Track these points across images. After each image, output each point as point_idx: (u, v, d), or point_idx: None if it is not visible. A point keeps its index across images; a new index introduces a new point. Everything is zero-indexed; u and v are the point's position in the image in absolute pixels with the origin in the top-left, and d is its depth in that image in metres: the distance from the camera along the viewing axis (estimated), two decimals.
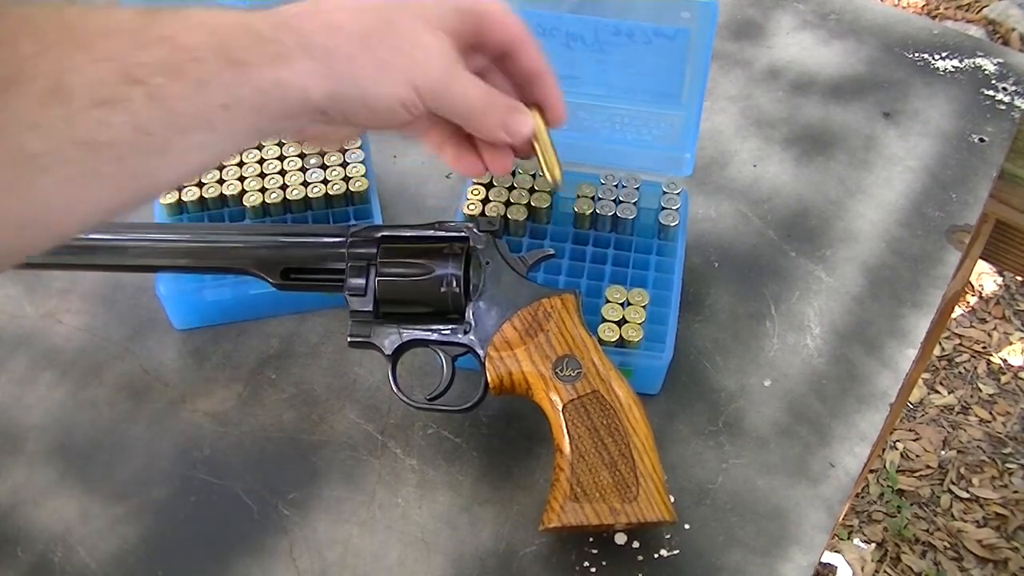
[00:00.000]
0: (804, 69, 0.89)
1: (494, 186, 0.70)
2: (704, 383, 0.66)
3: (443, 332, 0.58)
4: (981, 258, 0.95)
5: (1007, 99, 0.85)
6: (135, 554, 0.58)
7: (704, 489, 0.61)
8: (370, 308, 0.58)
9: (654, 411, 0.63)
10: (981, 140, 0.82)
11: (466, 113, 0.51)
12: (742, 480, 0.61)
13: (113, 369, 0.67)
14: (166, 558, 0.58)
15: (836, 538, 1.57)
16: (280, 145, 0.71)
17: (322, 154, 0.71)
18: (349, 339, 0.58)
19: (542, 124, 0.55)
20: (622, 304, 0.64)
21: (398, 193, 0.77)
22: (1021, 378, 1.80)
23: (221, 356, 0.68)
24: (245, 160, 0.70)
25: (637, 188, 0.69)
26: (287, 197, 0.69)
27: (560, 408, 0.55)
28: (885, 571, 1.56)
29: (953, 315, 1.68)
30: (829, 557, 1.52)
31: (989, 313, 1.90)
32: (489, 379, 0.57)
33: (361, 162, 0.71)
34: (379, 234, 0.59)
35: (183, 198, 0.68)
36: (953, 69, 0.88)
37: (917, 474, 1.67)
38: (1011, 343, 1.85)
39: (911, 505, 1.63)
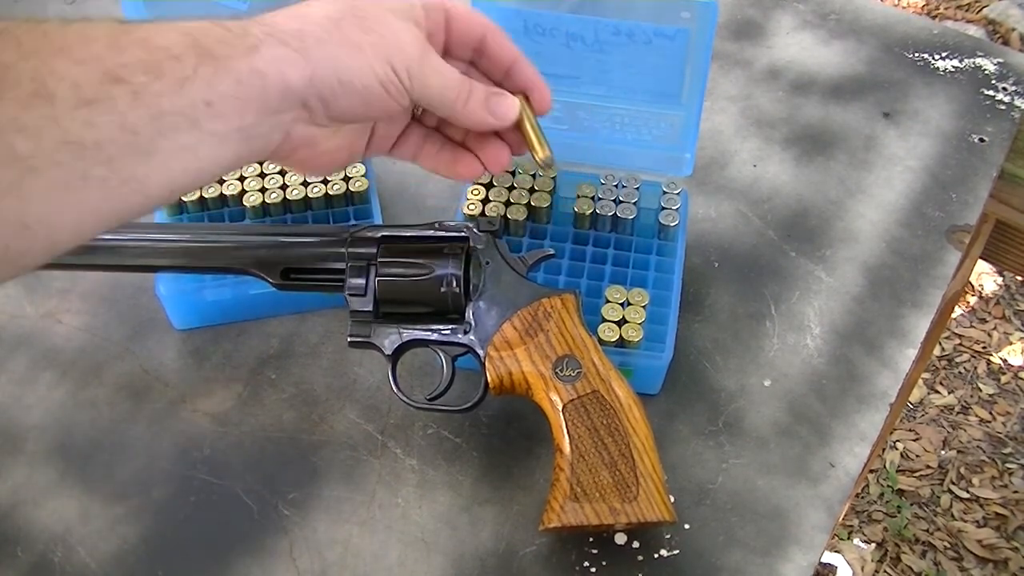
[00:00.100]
0: (804, 69, 0.89)
1: (494, 186, 0.70)
2: (704, 383, 0.66)
3: (443, 332, 0.58)
4: (981, 258, 0.95)
5: (1007, 99, 0.85)
6: (135, 554, 0.58)
7: (704, 489, 0.61)
8: (370, 308, 0.58)
9: (654, 411, 0.63)
10: (981, 140, 0.82)
11: (448, 95, 0.51)
12: (742, 480, 0.61)
13: (113, 369, 0.67)
14: (166, 558, 0.58)
15: (836, 538, 1.57)
16: None
17: None
18: (349, 339, 0.58)
19: (528, 109, 0.55)
20: (622, 304, 0.64)
21: (398, 193, 0.77)
22: (1021, 378, 1.80)
23: (221, 356, 0.68)
24: None
25: (637, 188, 0.69)
26: (287, 197, 0.69)
27: (560, 408, 0.55)
28: (885, 571, 1.56)
29: (953, 315, 1.68)
30: (829, 557, 1.52)
31: (989, 313, 1.90)
32: (489, 379, 0.57)
33: (361, 162, 0.71)
34: (379, 234, 0.59)
35: (183, 198, 0.68)
36: (953, 69, 0.88)
37: (917, 474, 1.67)
38: (1011, 343, 1.85)
39: (911, 505, 1.63)
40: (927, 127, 0.83)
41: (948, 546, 1.58)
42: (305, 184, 0.70)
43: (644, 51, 0.63)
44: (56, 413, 0.65)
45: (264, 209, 0.69)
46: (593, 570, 0.57)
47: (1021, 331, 1.87)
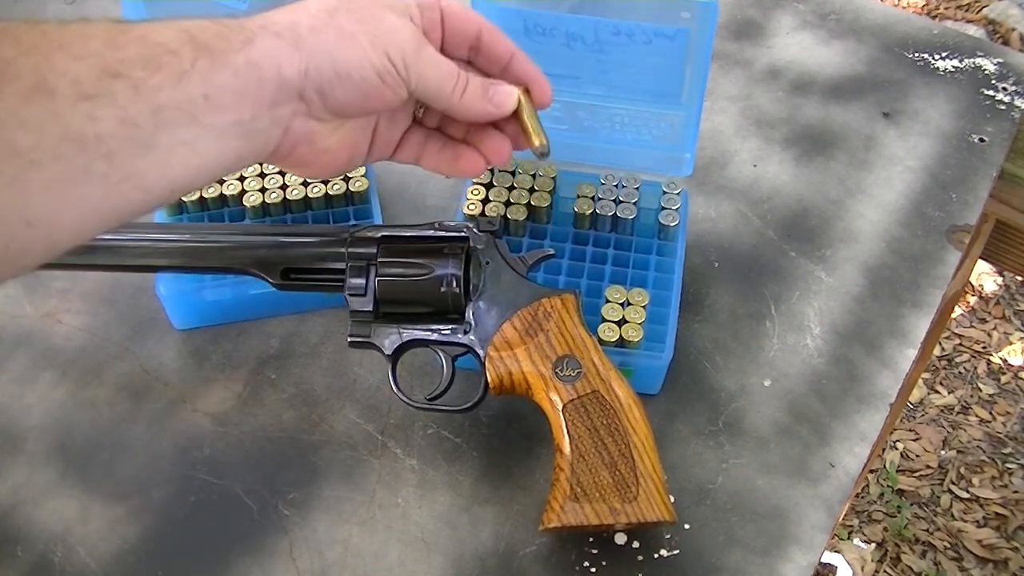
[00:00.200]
0: (804, 69, 0.89)
1: (494, 186, 0.70)
2: (704, 383, 0.66)
3: (443, 332, 0.58)
4: (981, 258, 0.95)
5: (1007, 99, 0.85)
6: (135, 554, 0.58)
7: (704, 489, 0.61)
8: (370, 308, 0.58)
9: (654, 411, 0.63)
10: (981, 140, 0.82)
11: (445, 86, 0.51)
12: (742, 480, 0.61)
13: (113, 369, 0.67)
14: (166, 558, 0.58)
15: (836, 538, 1.57)
16: None
17: None
18: (349, 339, 0.58)
19: (528, 101, 0.55)
20: (622, 304, 0.64)
21: (398, 193, 0.77)
22: (1021, 378, 1.80)
23: (221, 356, 0.68)
24: None
25: (637, 188, 0.69)
26: (287, 197, 0.69)
27: (560, 408, 0.55)
28: (885, 571, 1.55)
29: (953, 315, 1.68)
30: (829, 557, 1.52)
31: (989, 313, 1.90)
32: (489, 379, 0.57)
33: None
34: (379, 234, 0.59)
35: (183, 198, 0.68)
36: (953, 69, 0.88)
37: (917, 474, 1.67)
38: (1011, 343, 1.85)
39: (911, 505, 1.63)
40: (927, 127, 0.83)
41: (948, 546, 1.58)
42: (305, 184, 0.70)
43: (644, 51, 0.63)
44: (56, 413, 0.65)
45: (264, 209, 0.69)
46: (593, 570, 0.57)
47: (1021, 331, 1.87)
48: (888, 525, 1.60)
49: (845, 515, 1.44)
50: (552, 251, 0.61)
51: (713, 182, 0.79)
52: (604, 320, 0.63)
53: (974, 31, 2.22)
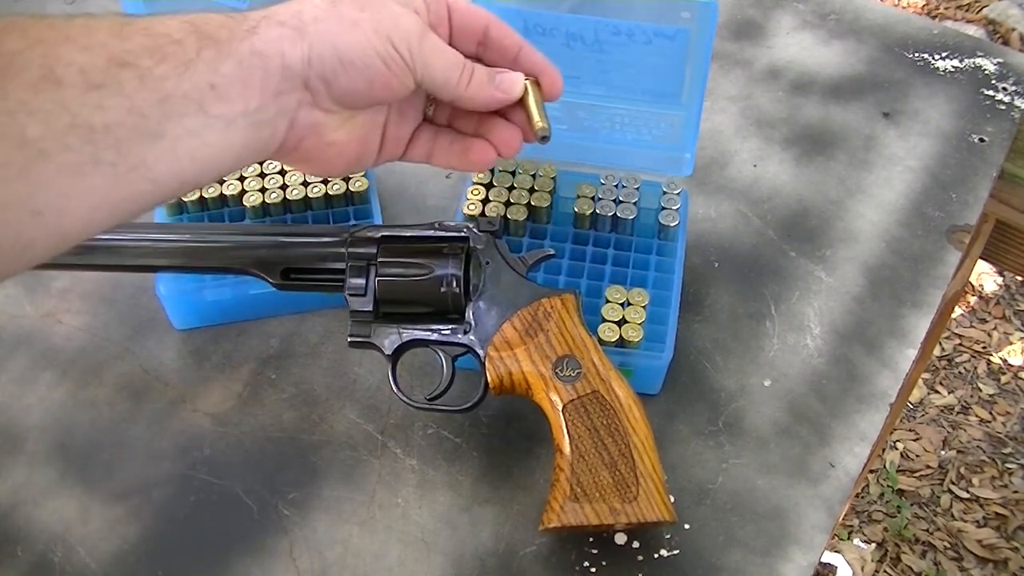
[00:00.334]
0: (804, 69, 0.89)
1: (494, 186, 0.70)
2: (704, 383, 0.66)
3: (443, 332, 0.58)
4: (981, 258, 0.95)
5: (1007, 99, 0.85)
6: (135, 554, 0.58)
7: (704, 489, 0.61)
8: (370, 308, 0.58)
9: (654, 411, 0.63)
10: (981, 140, 0.82)
11: (451, 74, 0.51)
12: (742, 480, 0.61)
13: (113, 369, 0.67)
14: (166, 558, 0.58)
15: (836, 538, 1.57)
16: None
17: None
18: (349, 339, 0.58)
19: (534, 88, 0.54)
20: (622, 304, 0.64)
21: (398, 193, 0.77)
22: (1021, 378, 1.80)
23: (221, 356, 0.68)
24: None
25: (637, 188, 0.69)
26: (287, 197, 0.69)
27: (560, 408, 0.55)
28: (885, 571, 1.55)
29: (953, 315, 1.68)
30: (829, 557, 1.52)
31: (989, 313, 1.90)
32: (489, 379, 0.57)
33: None
34: (379, 234, 0.59)
35: (183, 198, 0.68)
36: (953, 69, 0.88)
37: (917, 474, 1.67)
38: (1011, 343, 1.85)
39: (911, 505, 1.63)
40: (927, 127, 0.83)
41: (948, 546, 1.58)
42: (305, 184, 0.70)
43: (644, 51, 0.63)
44: (56, 413, 0.65)
45: (264, 209, 0.69)
46: (593, 570, 0.57)
47: (1021, 331, 1.87)
48: (888, 525, 1.60)
49: (845, 515, 1.44)
50: (552, 251, 0.61)
51: (713, 182, 0.79)
52: (604, 320, 0.63)
53: (974, 31, 2.22)
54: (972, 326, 1.88)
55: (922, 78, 0.87)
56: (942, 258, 0.73)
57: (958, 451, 1.70)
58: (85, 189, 0.38)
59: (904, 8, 2.30)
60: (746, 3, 0.95)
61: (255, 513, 0.60)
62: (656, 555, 0.58)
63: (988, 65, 0.88)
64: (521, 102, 0.54)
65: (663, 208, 0.68)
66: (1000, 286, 1.94)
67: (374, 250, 0.58)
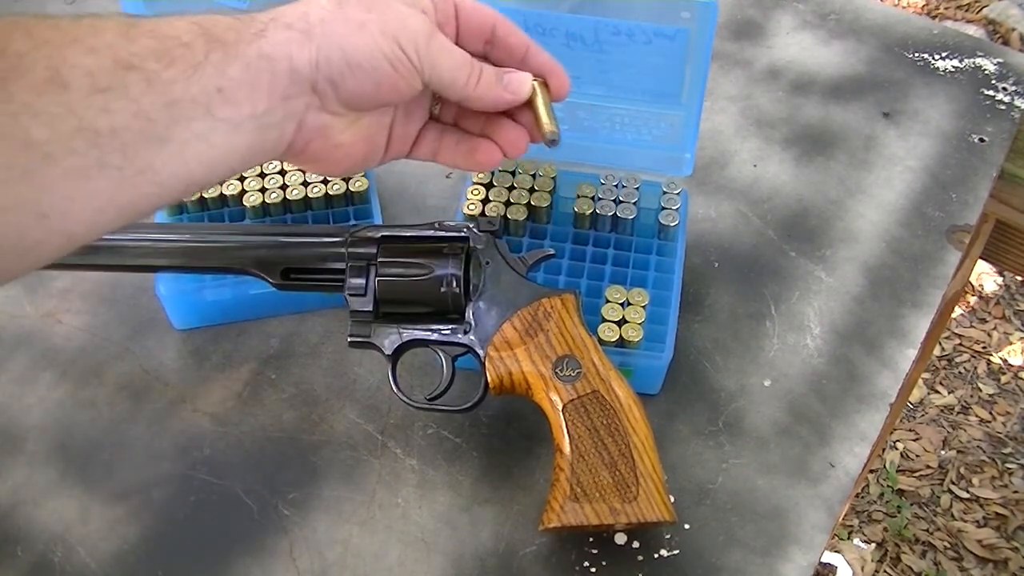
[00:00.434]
0: (804, 69, 0.89)
1: (494, 186, 0.70)
2: (704, 383, 0.66)
3: (443, 332, 0.58)
4: (981, 258, 0.95)
5: (1007, 99, 0.85)
6: (135, 554, 0.58)
7: (704, 489, 0.61)
8: (370, 308, 0.58)
9: (654, 411, 0.63)
10: (981, 140, 0.82)
11: (459, 74, 0.50)
12: (742, 480, 0.61)
13: (113, 369, 0.67)
14: (166, 558, 0.58)
15: (836, 538, 1.57)
16: None
17: None
18: (349, 339, 0.58)
19: (545, 92, 0.54)
20: (622, 304, 0.64)
21: (398, 193, 0.77)
22: (1021, 378, 1.80)
23: (221, 356, 0.68)
24: None
25: (637, 188, 0.69)
26: (287, 197, 0.69)
27: (560, 408, 0.55)
28: (885, 571, 1.55)
29: (953, 315, 1.68)
30: (829, 557, 1.52)
31: (989, 313, 1.90)
32: (489, 379, 0.57)
33: None
34: (379, 234, 0.59)
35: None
36: (953, 69, 0.88)
37: (917, 474, 1.67)
38: (1011, 343, 1.85)
39: (911, 505, 1.63)
40: (927, 127, 0.83)
41: (948, 546, 1.58)
42: (305, 184, 0.70)
43: (644, 51, 0.63)
44: (56, 413, 0.65)
45: (264, 209, 0.69)
46: (593, 570, 0.57)
47: (1021, 331, 1.87)
48: (888, 525, 1.60)
49: (845, 515, 1.44)
50: (552, 251, 0.61)
51: (713, 182, 0.79)
52: (604, 320, 0.63)
53: (974, 31, 2.22)
54: (972, 326, 1.88)
55: (922, 78, 0.87)
56: (942, 258, 0.73)
57: (958, 451, 1.70)
58: (90, 192, 0.38)
59: (904, 8, 2.30)
60: (746, 3, 0.95)
61: (255, 513, 0.60)
62: (656, 555, 0.58)
63: (988, 65, 0.88)
64: (529, 103, 0.54)
65: (663, 208, 0.68)
66: (1000, 286, 1.94)
67: (374, 250, 0.58)
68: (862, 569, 1.55)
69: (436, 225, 0.59)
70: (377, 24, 0.47)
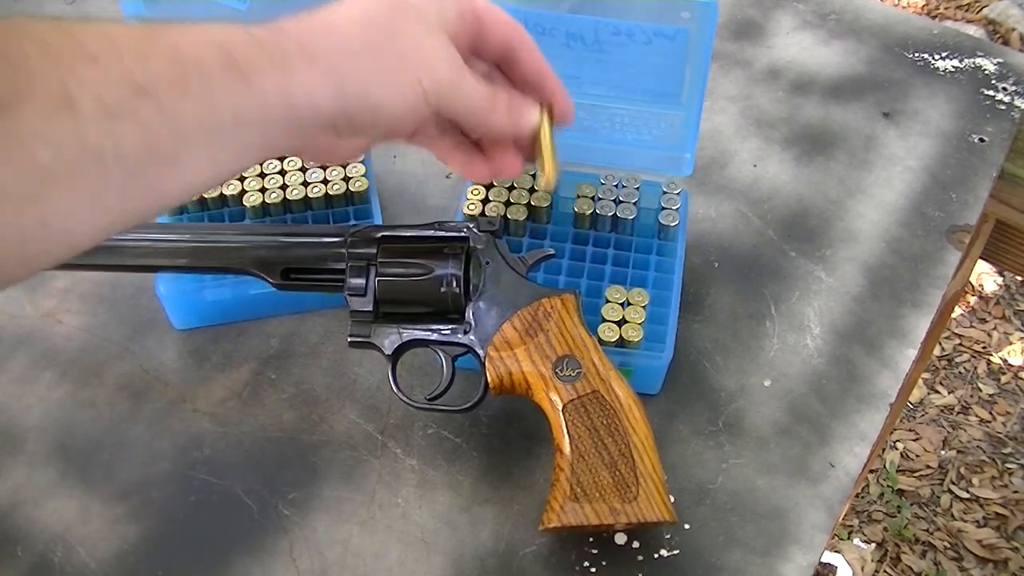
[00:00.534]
0: (804, 69, 0.89)
1: (494, 186, 0.70)
2: (704, 383, 0.66)
3: (443, 332, 0.58)
4: (981, 258, 0.95)
5: (1007, 99, 0.85)
6: (135, 554, 0.58)
7: (704, 489, 0.61)
8: (370, 308, 0.58)
9: (654, 411, 0.63)
10: (981, 140, 0.82)
11: (473, 111, 0.51)
12: (742, 480, 0.61)
13: (113, 369, 0.67)
14: (166, 558, 0.58)
15: (836, 538, 1.57)
16: None
17: None
18: (349, 339, 0.58)
19: (548, 122, 0.55)
20: (622, 304, 0.64)
21: (398, 193, 0.77)
22: (1021, 378, 1.80)
23: (221, 356, 0.68)
24: None
25: (637, 188, 0.69)
26: (287, 197, 0.69)
27: (560, 408, 0.55)
28: (885, 571, 1.55)
29: (953, 315, 1.68)
30: (829, 557, 1.52)
31: (989, 313, 1.90)
32: (489, 379, 0.57)
33: (361, 162, 0.71)
34: (379, 234, 0.59)
35: None
36: (953, 69, 0.88)
37: (917, 474, 1.67)
38: (1011, 343, 1.85)
39: (911, 505, 1.63)
40: (927, 127, 0.83)
41: (948, 546, 1.58)
42: (305, 184, 0.70)
43: (644, 51, 0.63)
44: (56, 413, 0.65)
45: (264, 209, 0.69)
46: (593, 570, 0.57)
47: (1021, 331, 1.87)
48: (888, 525, 1.60)
49: (845, 515, 1.44)
50: (552, 251, 0.61)
51: (713, 182, 0.79)
52: (604, 320, 0.63)
53: (974, 31, 2.22)
54: (972, 326, 1.88)
55: (922, 78, 0.87)
56: (942, 258, 0.73)
57: (958, 451, 1.70)
58: (94, 207, 0.38)
59: (904, 8, 2.30)
60: (746, 3, 0.95)
61: (255, 513, 0.60)
62: (656, 555, 0.58)
63: (988, 65, 0.88)
64: (533, 135, 0.54)
65: (663, 208, 0.68)
66: (1000, 286, 1.94)
67: (374, 250, 0.58)
68: (862, 569, 1.55)
69: (436, 225, 0.59)
70: (407, 73, 0.46)
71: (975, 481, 1.65)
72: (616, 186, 0.69)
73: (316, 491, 0.61)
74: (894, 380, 0.66)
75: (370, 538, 0.59)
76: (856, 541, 1.59)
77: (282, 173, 0.70)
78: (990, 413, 1.75)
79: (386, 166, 0.79)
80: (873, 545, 1.58)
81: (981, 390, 1.78)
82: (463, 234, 0.59)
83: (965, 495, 1.64)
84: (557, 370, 0.56)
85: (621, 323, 0.63)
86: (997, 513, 1.61)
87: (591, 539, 0.58)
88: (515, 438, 0.63)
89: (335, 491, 0.61)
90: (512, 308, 0.57)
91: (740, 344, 0.68)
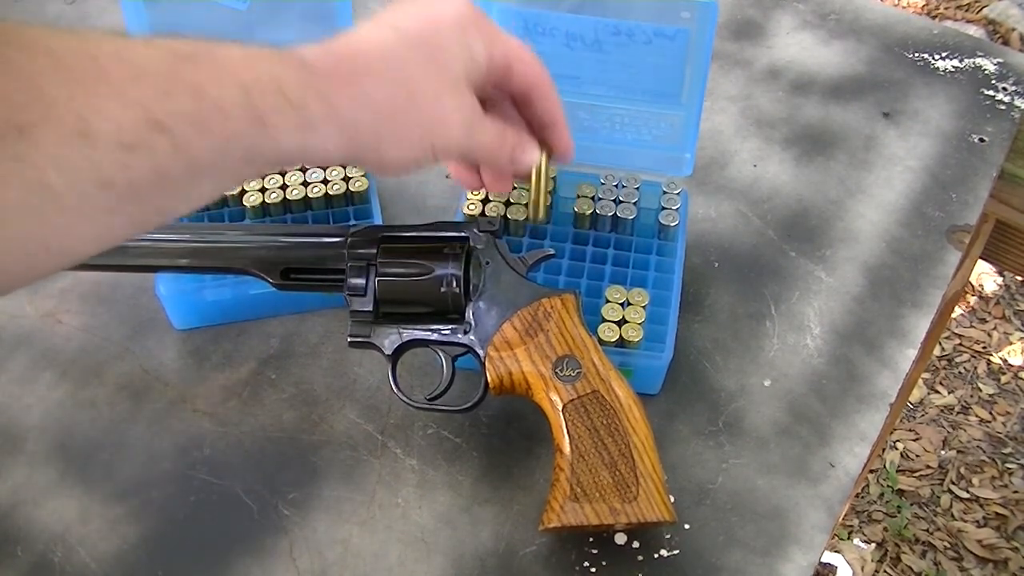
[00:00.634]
0: (804, 69, 0.89)
1: None
2: (704, 383, 0.66)
3: (443, 332, 0.58)
4: (981, 258, 0.95)
5: (1007, 99, 0.85)
6: (135, 554, 0.58)
7: (704, 489, 0.61)
8: (370, 308, 0.58)
9: (654, 411, 0.63)
10: (981, 140, 0.82)
11: (477, 156, 0.53)
12: (742, 480, 0.61)
13: (113, 369, 0.67)
14: (166, 558, 0.58)
15: (836, 538, 1.57)
16: None
17: None
18: (349, 339, 0.58)
19: (545, 163, 0.57)
20: (622, 304, 0.64)
21: (398, 193, 0.77)
22: (1021, 378, 1.80)
23: (221, 356, 0.68)
24: None
25: (637, 188, 0.69)
26: (287, 197, 0.69)
27: (560, 408, 0.55)
28: (885, 571, 1.55)
29: (953, 315, 1.68)
30: (829, 557, 1.52)
31: (989, 313, 1.90)
32: (489, 379, 0.57)
33: None
34: (379, 234, 0.59)
35: None
36: (953, 69, 0.88)
37: (917, 474, 1.67)
38: (1011, 343, 1.85)
39: (911, 505, 1.63)
40: (927, 127, 0.83)
41: (948, 546, 1.58)
42: (305, 184, 0.70)
43: (644, 51, 0.63)
44: (56, 413, 0.65)
45: (264, 209, 0.69)
46: (593, 570, 0.57)
47: (1021, 331, 1.87)
48: (888, 525, 1.60)
49: (845, 515, 1.44)
50: (552, 251, 0.61)
51: (713, 182, 0.79)
52: (604, 320, 0.63)
53: (974, 31, 2.22)
54: (972, 326, 1.88)
55: (922, 78, 0.87)
56: (942, 258, 0.73)
57: (958, 451, 1.70)
58: (98, 228, 0.38)
59: (904, 8, 2.30)
60: (746, 3, 0.95)
61: (255, 513, 0.60)
62: (656, 555, 0.58)
63: (988, 65, 0.88)
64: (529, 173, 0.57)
65: (663, 208, 0.68)
66: (1000, 286, 1.94)
67: (374, 250, 0.58)
68: (862, 569, 1.55)
69: (436, 225, 0.59)
70: (422, 139, 0.48)
71: (975, 481, 1.65)
72: (616, 186, 0.69)
73: (316, 491, 0.61)
74: (894, 380, 0.66)
75: (370, 538, 0.59)
76: (856, 541, 1.59)
77: (282, 173, 0.70)
78: (990, 413, 1.75)
79: None
80: (873, 545, 1.58)
81: (981, 390, 1.78)
82: (463, 234, 0.59)
83: (965, 495, 1.64)
84: (557, 370, 0.56)
85: (621, 323, 0.63)
86: (997, 513, 1.61)
87: (591, 539, 0.58)
88: (515, 438, 0.63)
89: (335, 491, 0.61)
90: (512, 308, 0.57)
91: (740, 344, 0.68)
